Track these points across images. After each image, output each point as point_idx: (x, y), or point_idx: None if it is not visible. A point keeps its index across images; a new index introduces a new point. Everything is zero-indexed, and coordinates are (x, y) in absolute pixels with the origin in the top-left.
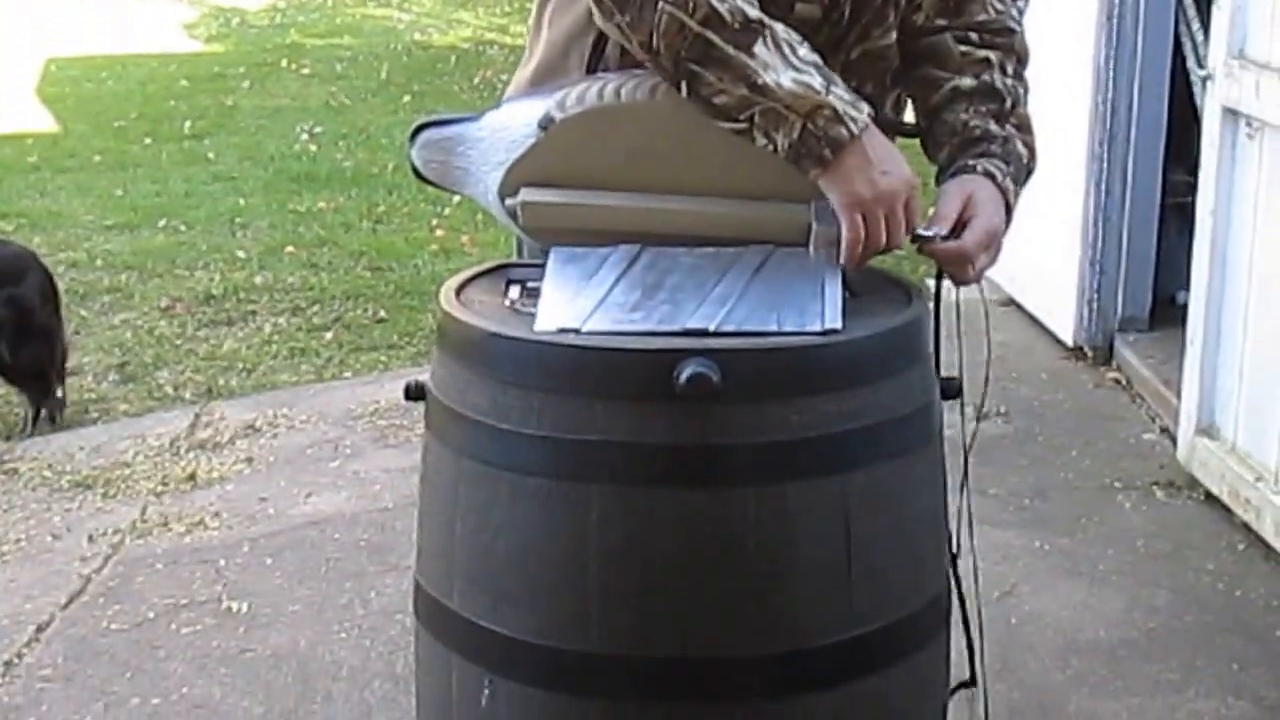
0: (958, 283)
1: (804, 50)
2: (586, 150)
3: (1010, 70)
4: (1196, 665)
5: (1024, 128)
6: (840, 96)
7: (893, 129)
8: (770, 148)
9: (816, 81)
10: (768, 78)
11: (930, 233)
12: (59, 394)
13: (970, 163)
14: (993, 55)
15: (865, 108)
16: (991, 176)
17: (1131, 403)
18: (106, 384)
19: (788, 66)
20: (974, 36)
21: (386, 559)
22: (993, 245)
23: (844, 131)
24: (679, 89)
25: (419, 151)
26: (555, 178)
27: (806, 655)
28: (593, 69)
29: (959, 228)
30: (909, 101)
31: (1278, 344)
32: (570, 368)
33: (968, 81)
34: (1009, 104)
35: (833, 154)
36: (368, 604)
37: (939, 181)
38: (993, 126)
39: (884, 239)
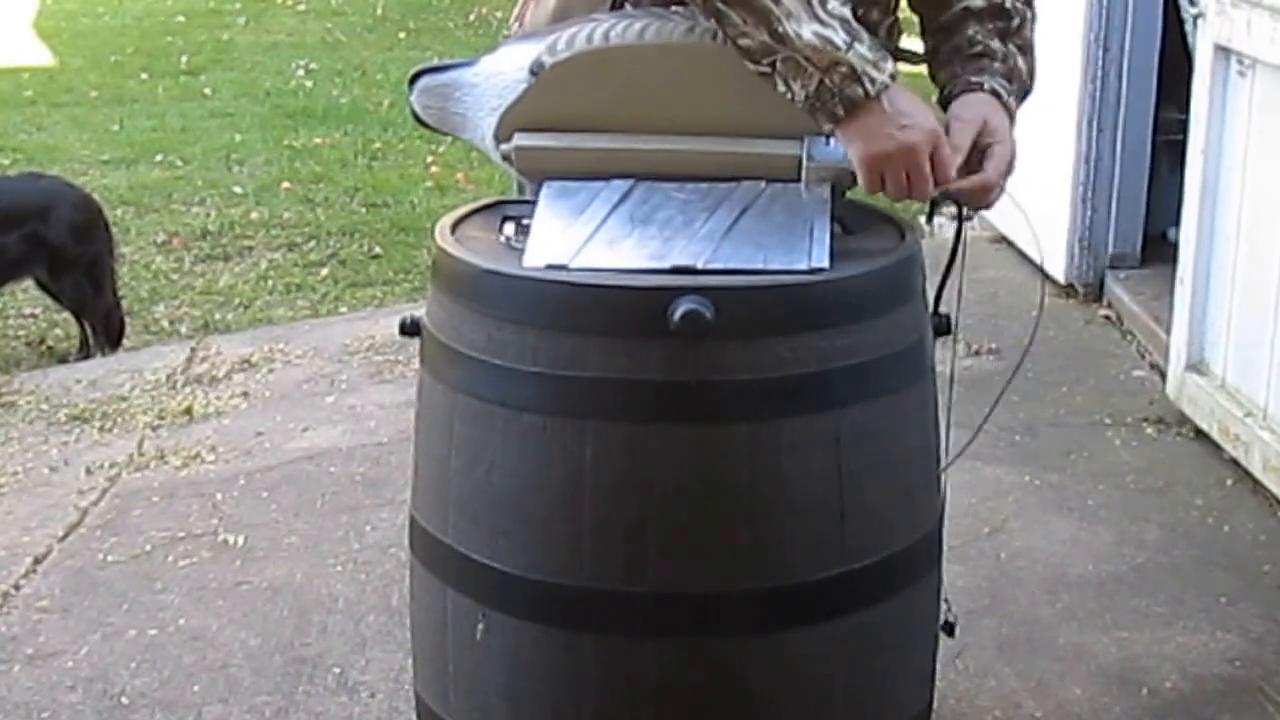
0: (977, 208)
1: (833, 3)
2: (578, 94)
3: None
4: (1184, 599)
5: (1026, 49)
6: (862, 55)
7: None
8: (789, 96)
9: (838, 37)
10: (789, 26)
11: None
12: (114, 320)
13: (975, 79)
14: None
15: (888, 67)
16: (998, 95)
17: (1122, 339)
18: None
19: (811, 18)
20: None
21: (381, 493)
22: (1010, 170)
23: (859, 90)
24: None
25: (417, 98)
26: (548, 122)
27: (798, 591)
28: (618, 4)
29: (975, 156)
30: (904, 28)
31: (1267, 281)
32: (565, 305)
33: (977, 2)
34: (1015, 23)
35: (845, 112)
36: (363, 538)
37: (943, 101)
38: (995, 44)
39: (905, 193)
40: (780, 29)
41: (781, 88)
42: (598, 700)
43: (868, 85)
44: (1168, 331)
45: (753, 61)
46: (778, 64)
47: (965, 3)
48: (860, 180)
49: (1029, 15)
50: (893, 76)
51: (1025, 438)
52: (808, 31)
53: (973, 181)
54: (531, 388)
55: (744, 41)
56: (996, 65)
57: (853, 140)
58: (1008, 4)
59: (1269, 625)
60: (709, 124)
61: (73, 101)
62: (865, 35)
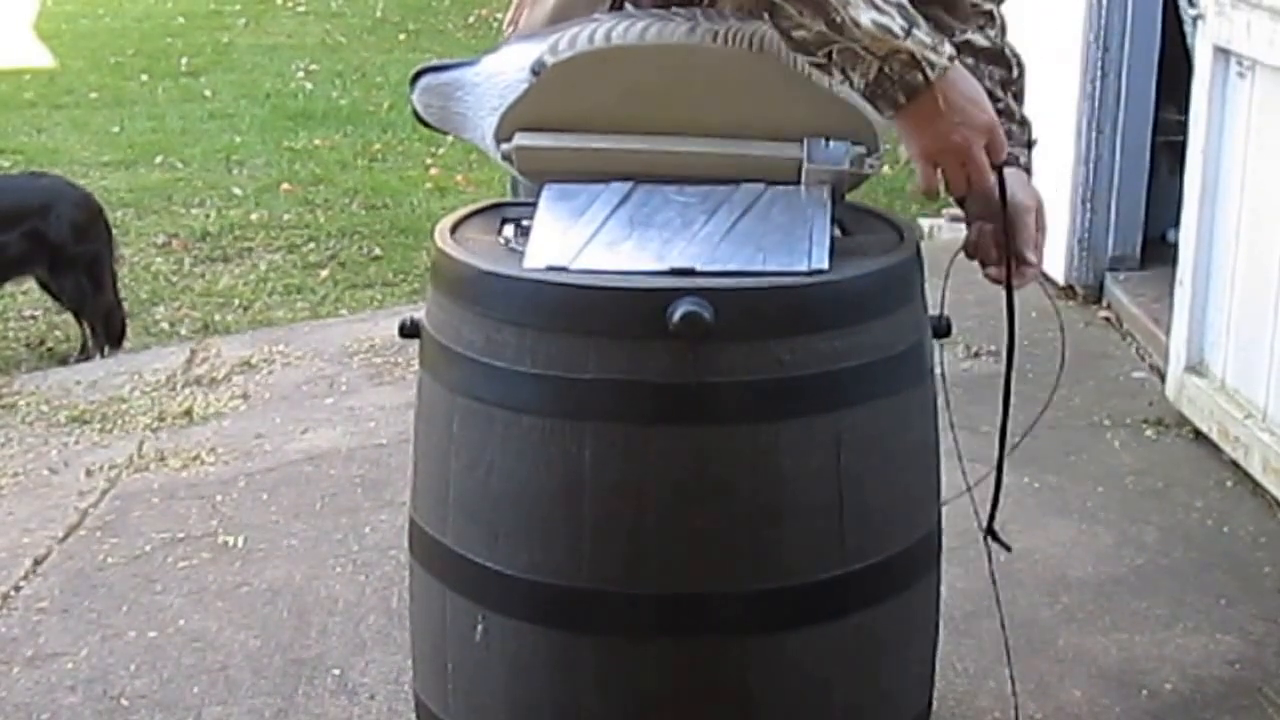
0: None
1: None
2: (579, 94)
3: (1004, 32)
4: (1184, 601)
5: (1021, 98)
6: (920, 40)
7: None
8: (848, 85)
9: (896, 24)
10: (847, 15)
11: (1032, 259)
12: (115, 319)
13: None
14: (995, 10)
15: (947, 49)
16: (1029, 171)
17: (1122, 341)
18: None
19: (869, 5)
20: None
21: (381, 495)
22: None
23: (919, 77)
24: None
25: (419, 97)
26: (549, 122)
27: (797, 592)
28: (618, 4)
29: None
30: None
31: (1267, 282)
32: (564, 306)
33: (980, 39)
34: (1015, 73)
35: (906, 99)
36: (362, 539)
37: None
38: (1012, 102)
39: (963, 186)
40: (838, 18)
41: (839, 78)
42: (597, 701)
43: (927, 70)
44: (1167, 333)
45: (807, 53)
46: (834, 54)
47: (967, 36)
48: (918, 173)
49: (1023, 66)
50: (951, 58)
51: (1025, 439)
52: (866, 19)
53: (1031, 276)
54: (531, 389)
55: (799, 34)
56: (1015, 130)
57: (909, 132)
58: (1005, 51)
59: (1269, 627)
60: (709, 125)
61: (73, 103)
62: (922, 20)
